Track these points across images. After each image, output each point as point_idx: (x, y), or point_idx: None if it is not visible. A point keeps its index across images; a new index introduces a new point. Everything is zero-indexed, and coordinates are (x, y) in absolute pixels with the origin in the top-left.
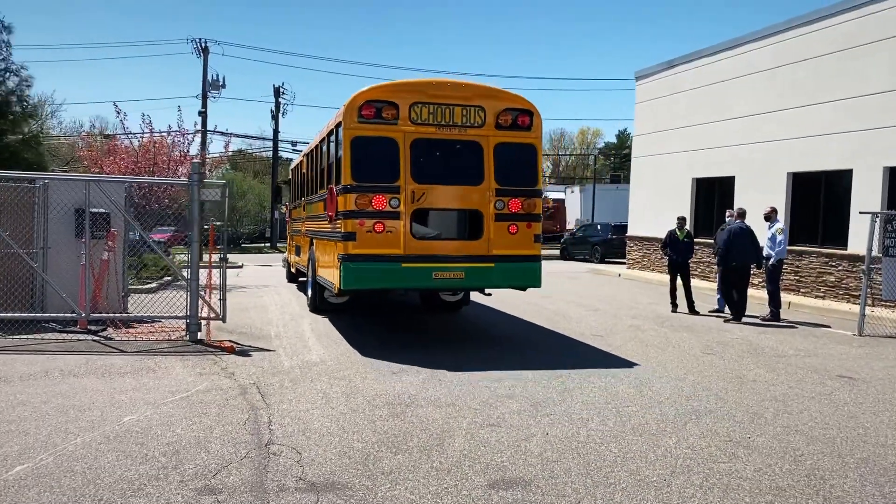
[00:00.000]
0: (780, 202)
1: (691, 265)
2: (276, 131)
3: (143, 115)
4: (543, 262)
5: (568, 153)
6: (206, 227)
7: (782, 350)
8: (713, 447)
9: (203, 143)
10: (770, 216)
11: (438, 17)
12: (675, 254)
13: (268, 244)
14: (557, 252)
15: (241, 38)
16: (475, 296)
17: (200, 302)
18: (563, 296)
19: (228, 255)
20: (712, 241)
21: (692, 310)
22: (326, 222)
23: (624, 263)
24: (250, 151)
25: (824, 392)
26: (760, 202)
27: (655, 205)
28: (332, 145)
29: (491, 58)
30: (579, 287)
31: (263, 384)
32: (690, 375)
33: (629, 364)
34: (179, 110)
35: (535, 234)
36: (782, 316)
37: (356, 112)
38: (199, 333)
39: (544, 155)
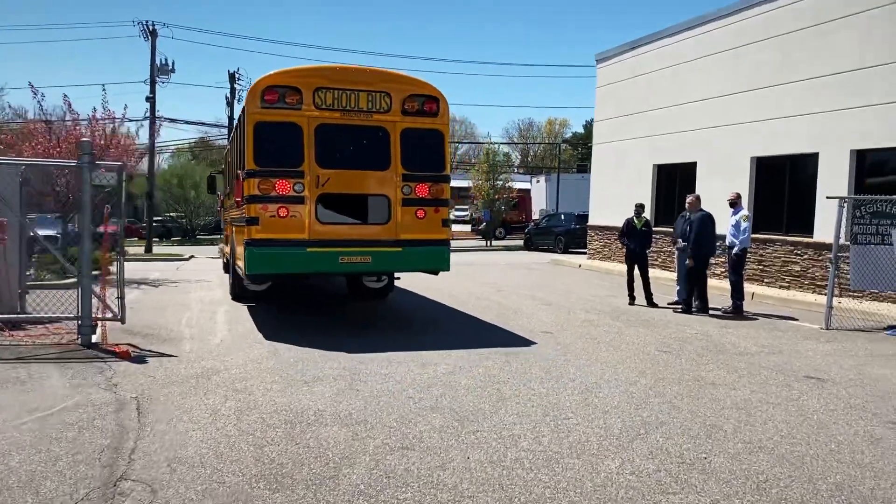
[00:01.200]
0: (744, 188)
1: (650, 255)
2: (231, 118)
3: (64, 97)
4: (506, 253)
5: (536, 143)
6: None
7: (745, 347)
8: (662, 471)
9: (151, 131)
10: (735, 202)
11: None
12: (633, 243)
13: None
14: (522, 243)
15: (195, 21)
16: (417, 287)
17: (97, 301)
18: (517, 289)
19: (179, 247)
20: (672, 229)
21: (650, 302)
22: (237, 209)
23: (587, 254)
24: (208, 139)
25: (791, 397)
26: (723, 189)
27: (617, 193)
28: (242, 131)
29: (450, 42)
30: (536, 279)
31: (147, 398)
32: (643, 378)
33: (577, 366)
34: (104, 91)
35: (443, 218)
36: (745, 308)
37: (259, 97)
38: (93, 336)
39: (513, 143)
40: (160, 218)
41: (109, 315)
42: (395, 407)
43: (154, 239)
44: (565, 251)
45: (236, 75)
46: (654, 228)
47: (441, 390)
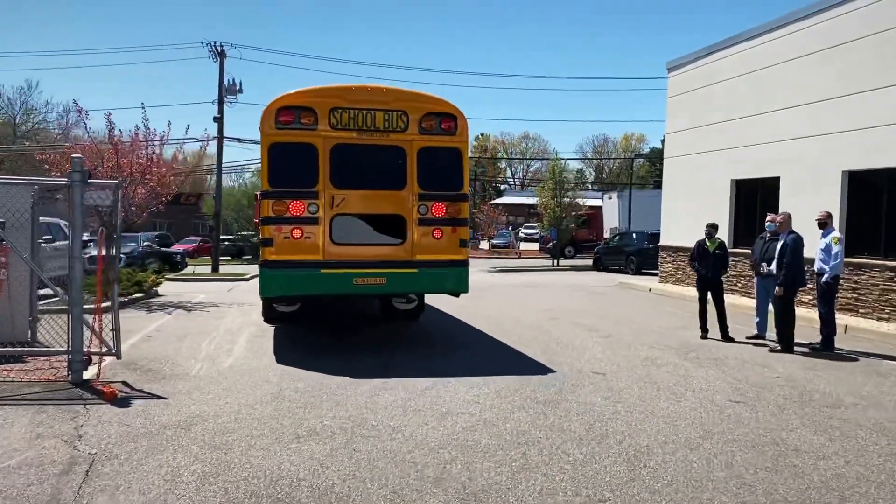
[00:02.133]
0: (834, 206)
1: (726, 281)
2: None
3: (106, 114)
4: (573, 274)
5: (607, 157)
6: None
7: (838, 396)
8: None
9: (219, 151)
10: (825, 223)
11: (460, 17)
12: (705, 268)
13: None
14: (591, 262)
15: (262, 41)
16: (461, 312)
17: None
18: (574, 316)
19: (248, 266)
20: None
21: (726, 336)
22: (258, 230)
23: (658, 276)
24: None
25: None
26: (810, 207)
27: (690, 211)
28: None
29: (527, 58)
30: (599, 305)
31: (106, 455)
32: (707, 441)
33: (627, 422)
34: (143, 109)
35: (462, 238)
36: (837, 344)
37: (273, 118)
38: (87, 372)
39: (586, 159)
40: (232, 237)
41: (104, 349)
42: (390, 477)
43: (225, 258)
44: (637, 272)
45: None
46: (731, 250)
47: (454, 453)
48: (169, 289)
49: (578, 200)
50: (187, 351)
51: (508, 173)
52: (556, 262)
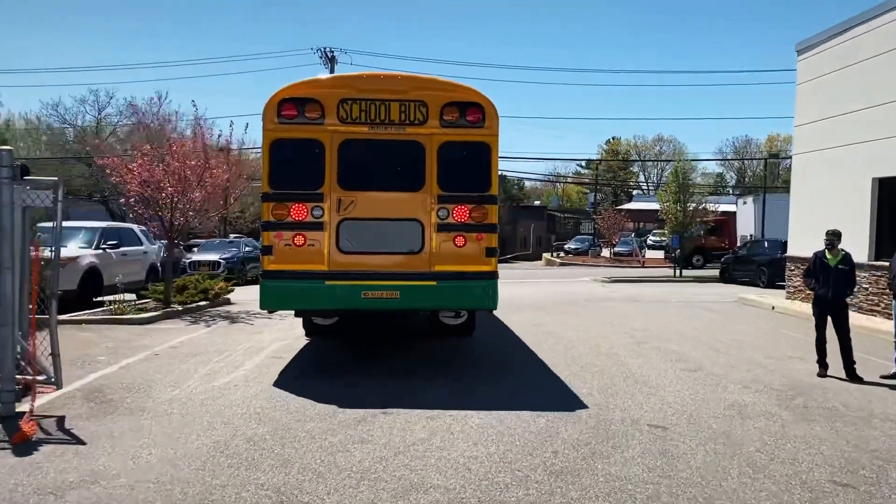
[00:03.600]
0: None
1: (863, 301)
2: None
3: (197, 113)
4: (694, 286)
5: (742, 158)
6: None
7: None
8: None
9: None
10: None
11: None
12: (824, 287)
13: None
14: (717, 273)
15: (372, 46)
16: (527, 332)
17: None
18: (666, 341)
19: None
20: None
21: (851, 374)
22: None
23: (785, 292)
24: None
25: None
26: None
27: (823, 215)
28: None
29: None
30: (704, 325)
31: None
32: None
33: None
34: (195, 106)
35: (488, 246)
36: None
37: (275, 112)
38: (19, 405)
39: (724, 161)
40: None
41: (42, 377)
42: None
43: None
44: (770, 285)
45: None
46: (873, 263)
47: None
48: (245, 295)
49: (707, 205)
50: (179, 374)
51: (641, 178)
52: (678, 272)
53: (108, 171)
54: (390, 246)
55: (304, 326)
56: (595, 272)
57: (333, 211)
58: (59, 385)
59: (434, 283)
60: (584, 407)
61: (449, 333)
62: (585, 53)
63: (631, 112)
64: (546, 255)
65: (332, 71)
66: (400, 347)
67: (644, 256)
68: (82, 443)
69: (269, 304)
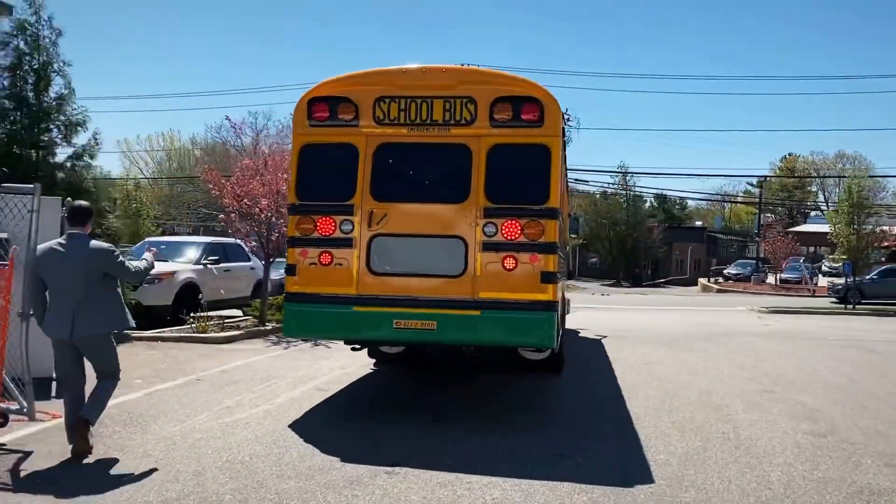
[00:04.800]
0: None
1: None
2: None
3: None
4: (870, 321)
5: None
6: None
7: None
8: None
9: None
10: None
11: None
12: None
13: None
14: None
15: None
16: (628, 372)
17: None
18: (802, 390)
19: None
20: None
21: None
22: None
23: None
24: None
25: None
26: None
27: None
28: None
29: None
30: (860, 370)
31: None
32: None
33: None
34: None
35: (544, 270)
36: None
37: (305, 114)
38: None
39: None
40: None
41: (15, 406)
42: None
43: None
44: None
45: (564, 115)
46: None
47: None
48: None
49: (886, 227)
50: (198, 406)
51: (821, 197)
52: (850, 304)
53: (210, 185)
54: (428, 267)
55: (369, 354)
56: (755, 301)
57: (364, 225)
58: (31, 416)
59: (478, 312)
60: (649, 482)
61: (531, 369)
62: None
63: (808, 123)
64: (702, 281)
65: None
66: (461, 383)
67: (815, 284)
68: (9, 489)
69: (293, 330)
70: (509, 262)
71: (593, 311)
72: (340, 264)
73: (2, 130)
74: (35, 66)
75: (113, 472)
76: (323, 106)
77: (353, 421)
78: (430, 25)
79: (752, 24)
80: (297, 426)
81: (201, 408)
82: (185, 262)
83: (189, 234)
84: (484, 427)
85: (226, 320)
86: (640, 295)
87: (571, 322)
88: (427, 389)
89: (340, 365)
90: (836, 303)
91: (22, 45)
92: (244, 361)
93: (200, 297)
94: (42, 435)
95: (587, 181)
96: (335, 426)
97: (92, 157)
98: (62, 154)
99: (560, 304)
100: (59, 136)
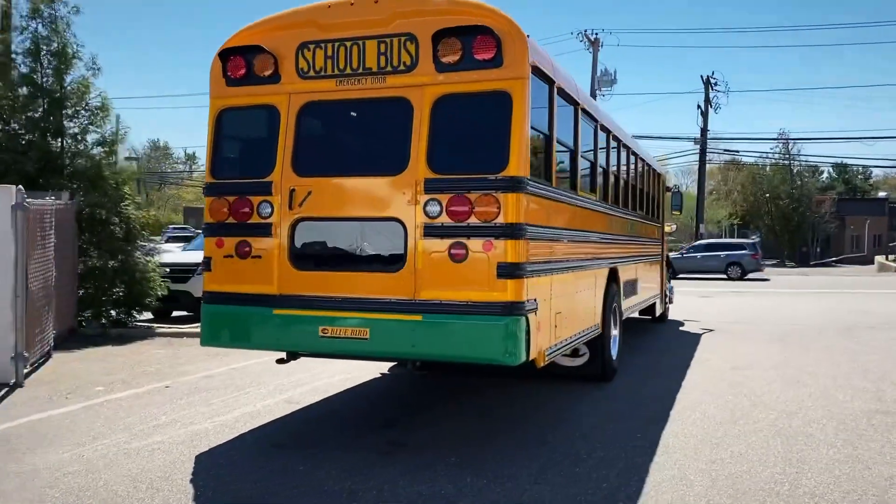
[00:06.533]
0: None
1: None
2: (703, 130)
3: None
4: None
5: None
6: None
7: None
8: None
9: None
10: None
11: None
12: None
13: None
14: None
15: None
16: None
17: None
18: None
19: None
20: None
21: None
22: None
23: None
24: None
25: None
26: None
27: None
28: None
29: None
30: None
31: None
32: None
33: None
34: None
35: (503, 261)
36: None
37: (220, 72)
38: None
39: None
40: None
41: None
42: None
43: None
44: None
45: (711, 80)
46: None
47: None
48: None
49: None
50: (130, 422)
51: None
52: None
53: None
54: (359, 259)
55: None
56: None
57: (285, 207)
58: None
59: (418, 317)
60: None
61: (570, 377)
62: None
63: None
64: (880, 259)
65: (595, 54)
66: (472, 395)
67: None
68: None
69: (209, 338)
70: (457, 252)
71: (727, 297)
72: (259, 256)
73: (23, 119)
74: (54, 50)
75: None
76: (238, 60)
77: (302, 449)
78: None
79: None
80: (225, 453)
81: (126, 425)
82: None
83: None
84: (468, 463)
85: None
86: (802, 276)
87: (682, 312)
88: (422, 405)
89: (341, 370)
90: None
91: (40, 28)
92: (240, 364)
93: None
94: None
95: (737, 151)
96: (276, 454)
97: (113, 144)
98: (88, 140)
99: (553, 303)
100: (85, 122)
